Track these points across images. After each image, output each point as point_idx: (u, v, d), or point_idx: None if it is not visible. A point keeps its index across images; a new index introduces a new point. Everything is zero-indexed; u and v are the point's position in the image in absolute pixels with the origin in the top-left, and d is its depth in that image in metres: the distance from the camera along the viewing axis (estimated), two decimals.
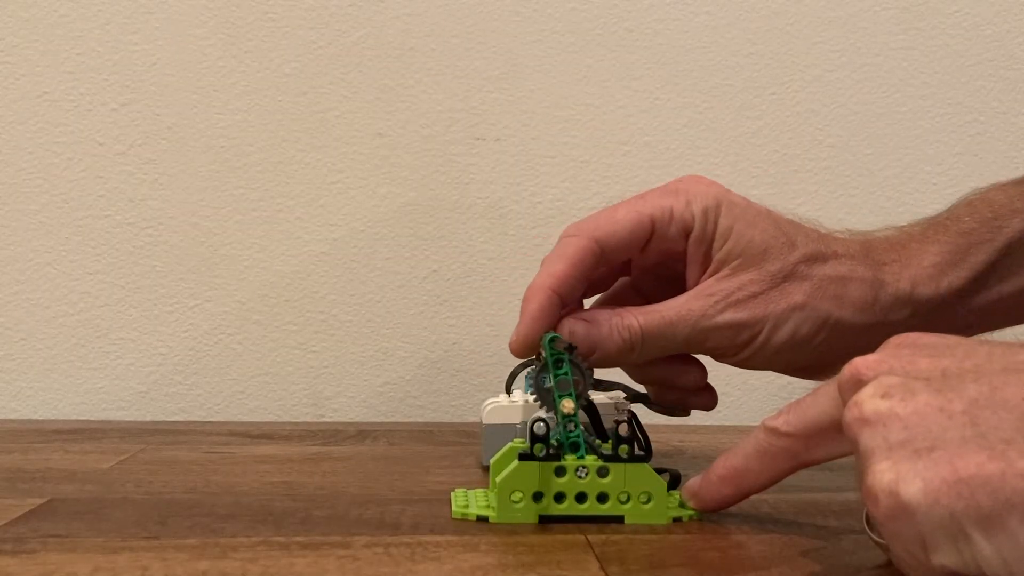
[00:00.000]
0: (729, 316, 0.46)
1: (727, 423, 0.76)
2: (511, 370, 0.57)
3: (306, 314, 0.79)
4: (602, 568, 0.36)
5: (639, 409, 0.50)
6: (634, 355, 0.47)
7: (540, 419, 0.43)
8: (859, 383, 0.32)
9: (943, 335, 0.34)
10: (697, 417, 0.54)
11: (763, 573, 0.36)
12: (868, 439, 0.30)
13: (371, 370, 0.79)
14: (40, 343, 0.77)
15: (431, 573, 0.35)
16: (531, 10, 0.80)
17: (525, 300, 0.46)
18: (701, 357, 0.51)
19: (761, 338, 0.47)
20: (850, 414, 0.31)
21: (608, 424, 0.45)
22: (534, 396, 0.44)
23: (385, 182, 0.79)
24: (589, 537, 0.40)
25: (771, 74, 0.82)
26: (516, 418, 0.52)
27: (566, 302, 0.47)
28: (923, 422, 0.29)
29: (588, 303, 0.53)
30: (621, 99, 0.81)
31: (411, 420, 0.79)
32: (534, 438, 0.42)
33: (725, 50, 0.82)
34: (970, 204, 0.51)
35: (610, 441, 0.43)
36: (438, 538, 0.39)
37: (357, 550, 0.37)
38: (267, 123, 0.78)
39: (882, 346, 0.34)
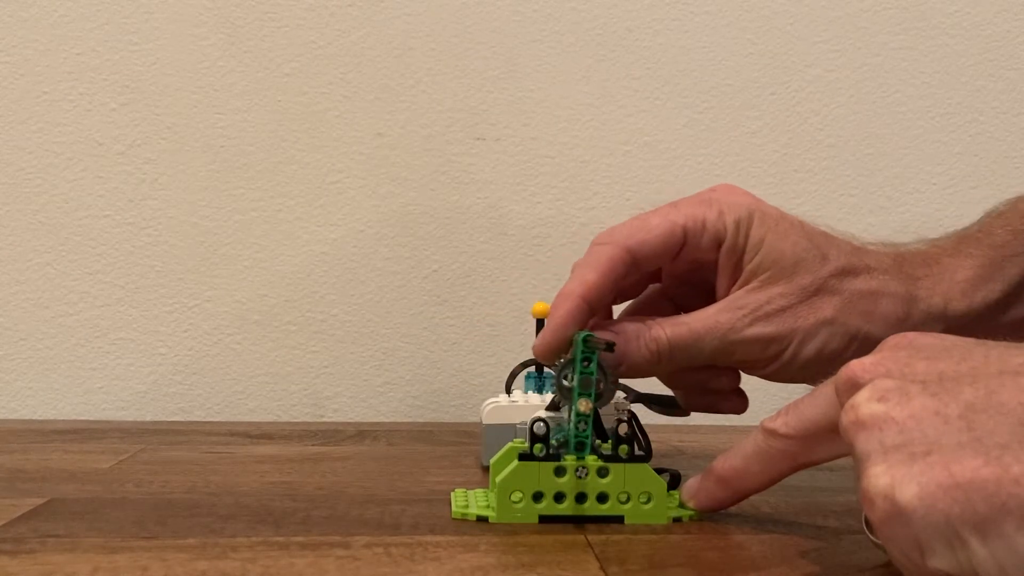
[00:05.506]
0: (757, 330, 0.46)
1: (727, 423, 0.75)
2: (511, 370, 0.57)
3: (306, 314, 0.79)
4: (602, 568, 0.36)
5: (639, 409, 0.50)
6: (661, 367, 0.47)
7: (540, 419, 0.43)
8: (856, 386, 0.32)
9: (941, 335, 0.33)
10: (697, 417, 0.54)
11: (763, 573, 0.36)
12: (864, 443, 0.30)
13: (371, 370, 0.79)
14: (40, 343, 0.77)
15: (431, 573, 0.35)
16: (531, 10, 0.80)
17: (553, 306, 0.45)
18: None
19: (789, 352, 0.46)
20: (846, 417, 0.31)
21: (608, 424, 0.45)
22: (555, 391, 0.44)
23: (385, 182, 0.79)
24: (589, 537, 0.40)
25: (771, 74, 0.82)
26: (516, 418, 0.52)
27: (595, 310, 0.46)
28: (919, 426, 0.29)
29: (617, 309, 0.52)
30: (621, 99, 0.81)
31: (411, 420, 0.79)
32: (534, 438, 0.43)
33: (725, 50, 0.82)
34: (1001, 216, 0.50)
35: (610, 441, 0.43)
36: (438, 538, 0.39)
37: (357, 550, 0.37)
38: (267, 123, 0.78)
39: (879, 347, 0.34)
